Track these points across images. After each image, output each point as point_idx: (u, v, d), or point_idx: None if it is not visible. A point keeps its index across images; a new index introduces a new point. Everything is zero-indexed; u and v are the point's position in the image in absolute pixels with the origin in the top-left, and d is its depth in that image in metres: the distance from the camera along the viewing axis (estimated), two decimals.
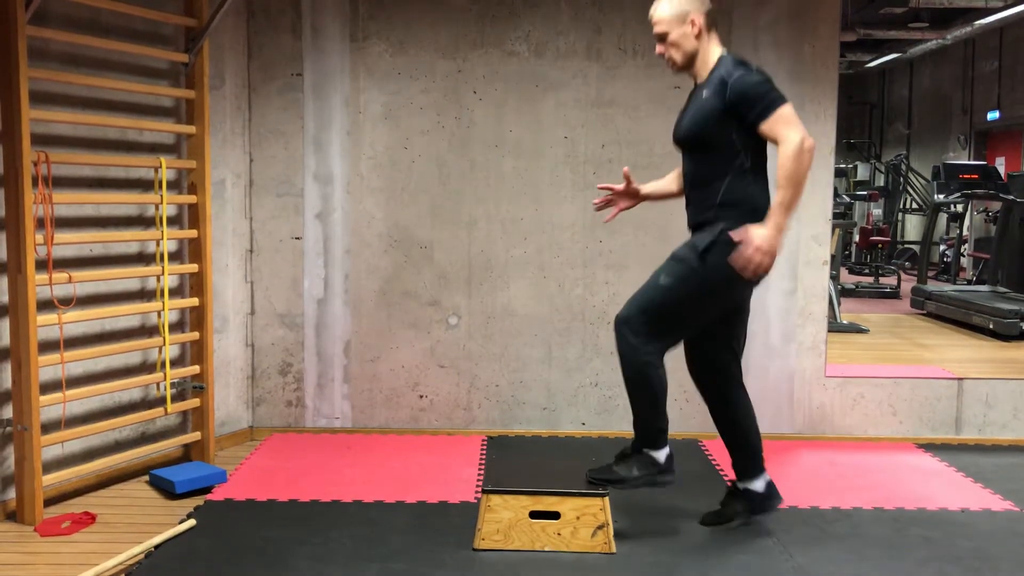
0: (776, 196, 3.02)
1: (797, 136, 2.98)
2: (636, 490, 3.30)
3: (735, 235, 3.04)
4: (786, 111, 3.03)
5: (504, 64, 4.50)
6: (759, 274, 3.07)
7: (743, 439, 3.37)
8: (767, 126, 3.02)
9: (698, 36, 3.15)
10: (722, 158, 3.11)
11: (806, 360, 4.60)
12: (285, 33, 4.46)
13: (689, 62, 3.19)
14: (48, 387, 3.49)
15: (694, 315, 3.21)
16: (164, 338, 3.94)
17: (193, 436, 4.12)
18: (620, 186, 3.48)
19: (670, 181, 3.48)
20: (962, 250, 10.91)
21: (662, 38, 3.19)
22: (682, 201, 3.32)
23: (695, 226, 3.24)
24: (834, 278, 7.37)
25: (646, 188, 3.51)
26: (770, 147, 3.03)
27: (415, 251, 4.58)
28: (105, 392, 3.77)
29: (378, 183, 4.54)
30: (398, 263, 4.58)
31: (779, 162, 3.00)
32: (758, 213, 3.11)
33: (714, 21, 3.19)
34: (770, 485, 3.40)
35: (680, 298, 3.16)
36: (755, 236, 3.00)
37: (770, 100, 3.03)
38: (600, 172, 4.52)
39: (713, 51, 3.17)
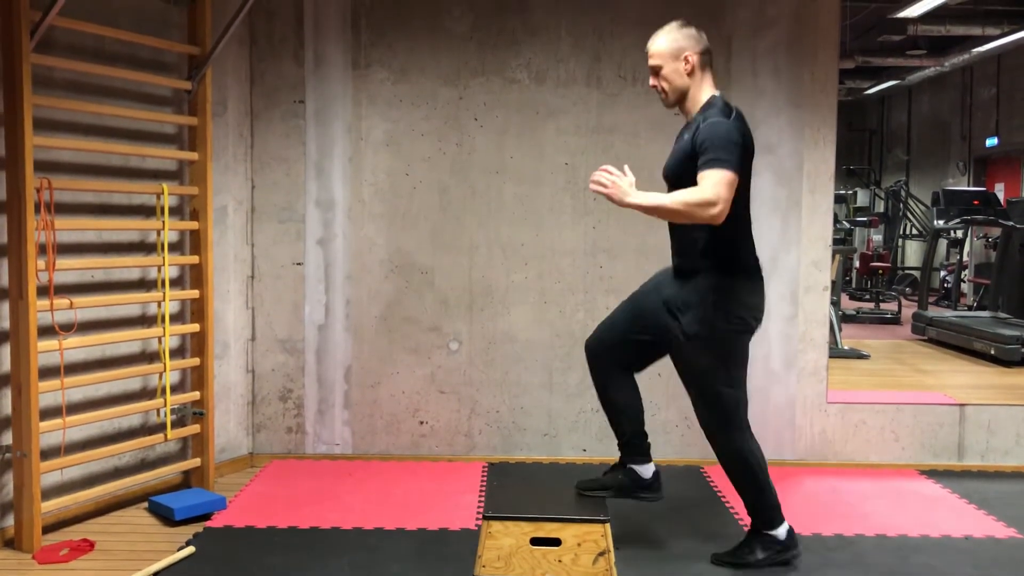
0: (659, 196, 3.04)
1: (712, 197, 2.92)
2: (637, 514, 3.30)
3: (626, 170, 3.08)
4: (725, 176, 2.94)
5: (505, 91, 4.53)
6: (593, 183, 3.09)
7: (623, 419, 3.42)
8: (701, 175, 2.97)
9: (691, 74, 3.15)
10: None
11: (807, 386, 4.60)
12: (287, 60, 4.49)
13: (680, 98, 3.20)
14: (48, 413, 3.49)
15: (740, 366, 3.23)
16: (165, 364, 3.93)
17: (193, 462, 4.10)
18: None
19: None
20: (962, 276, 10.92)
21: (655, 71, 3.21)
22: None
23: (678, 270, 3.25)
24: (835, 304, 7.37)
25: None
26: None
27: (416, 277, 4.58)
28: (105, 418, 3.76)
29: (379, 209, 4.56)
30: (399, 289, 4.58)
31: (686, 190, 2.99)
32: (739, 260, 3.14)
33: (709, 61, 3.20)
34: (657, 475, 3.46)
35: (722, 374, 3.18)
36: (621, 186, 3.03)
37: (720, 158, 2.96)
38: (600, 198, 4.50)
39: (705, 91, 3.18)
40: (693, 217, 2.98)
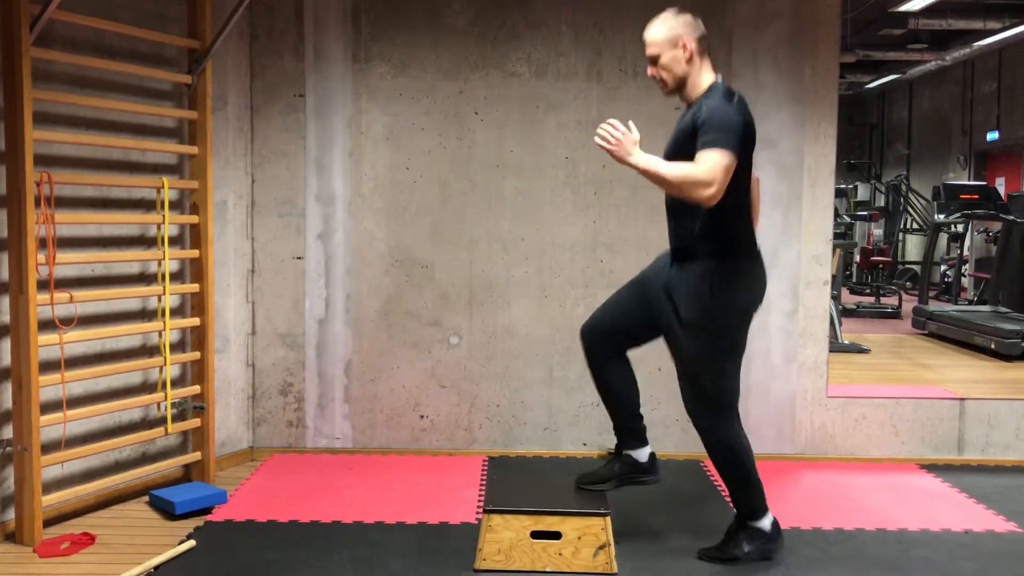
0: (662, 163, 3.01)
1: (707, 178, 2.91)
2: (637, 507, 3.30)
3: (631, 127, 3.06)
4: (723, 159, 2.93)
5: (505, 85, 4.52)
6: (599, 138, 3.06)
7: (619, 403, 3.43)
8: (699, 155, 2.96)
9: (689, 60, 3.14)
10: None
11: (807, 380, 4.60)
12: (288, 55, 4.49)
13: (679, 85, 3.19)
14: (48, 407, 3.49)
15: (735, 356, 3.22)
16: (165, 358, 3.94)
17: (193, 456, 4.11)
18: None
19: None
20: (963, 270, 10.92)
21: (654, 60, 3.20)
22: None
23: (676, 252, 3.24)
24: (835, 298, 7.37)
25: None
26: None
27: (416, 271, 4.58)
28: (105, 412, 3.76)
29: (380, 203, 4.56)
30: (399, 283, 4.58)
31: (686, 164, 2.97)
32: (739, 247, 3.14)
33: (707, 47, 3.19)
34: (653, 457, 3.46)
35: (715, 361, 3.17)
36: (626, 144, 3.01)
37: (719, 138, 2.95)
38: (601, 192, 4.54)
39: (705, 77, 3.17)
40: (685, 193, 2.96)
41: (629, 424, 3.45)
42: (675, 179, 2.96)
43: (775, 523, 3.30)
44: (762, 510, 3.28)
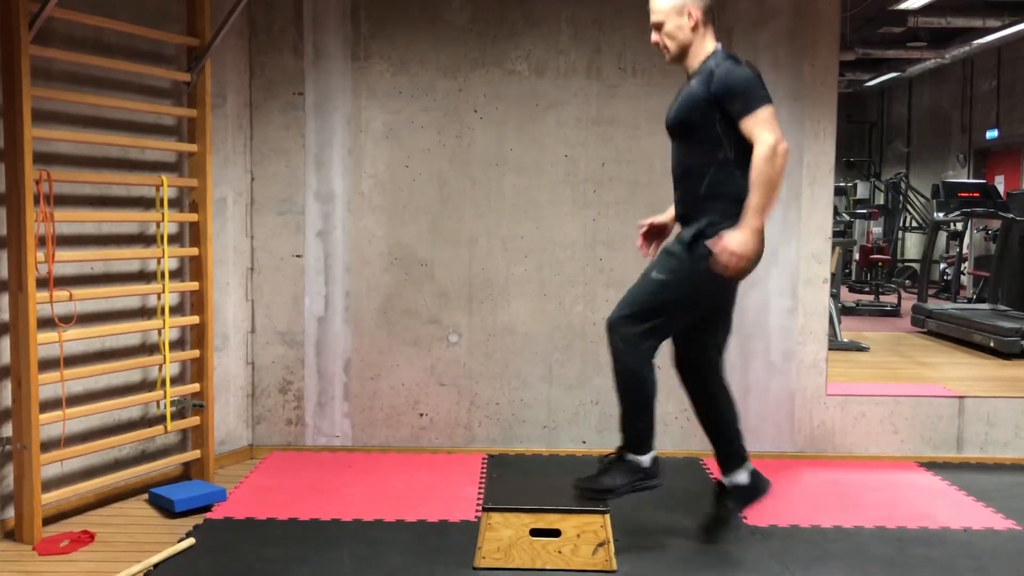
0: (749, 199, 3.01)
1: (772, 139, 2.98)
2: (637, 505, 3.29)
3: (711, 243, 3.04)
4: (765, 112, 3.03)
5: (505, 83, 4.52)
6: (739, 276, 3.08)
7: (726, 430, 3.39)
8: (746, 124, 3.03)
9: (694, 28, 3.17)
10: (706, 149, 3.13)
11: (807, 378, 4.60)
12: (287, 52, 4.48)
13: (682, 53, 3.21)
14: (48, 405, 3.49)
15: (685, 308, 3.23)
16: (164, 356, 3.93)
17: (193, 454, 4.11)
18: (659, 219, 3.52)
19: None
20: (962, 268, 10.92)
21: (658, 27, 3.21)
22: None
23: (682, 218, 3.27)
24: (834, 296, 7.37)
25: (668, 215, 3.52)
26: None
27: (416, 269, 4.58)
28: (105, 410, 3.76)
29: (379, 201, 4.56)
30: (399, 281, 4.58)
31: (753, 164, 3.00)
32: (741, 204, 3.11)
33: (711, 15, 3.21)
34: (755, 474, 3.41)
35: (671, 291, 3.18)
36: (730, 241, 3.00)
37: (752, 98, 3.04)
38: (600, 190, 4.54)
39: (707, 45, 3.20)
40: (778, 169, 2.99)
41: (651, 428, 3.33)
42: (767, 180, 2.98)
43: (656, 460, 3.28)
44: (647, 446, 3.25)
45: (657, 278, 3.20)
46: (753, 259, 3.03)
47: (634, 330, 3.17)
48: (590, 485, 3.27)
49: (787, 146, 3.01)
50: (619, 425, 3.29)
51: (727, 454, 3.40)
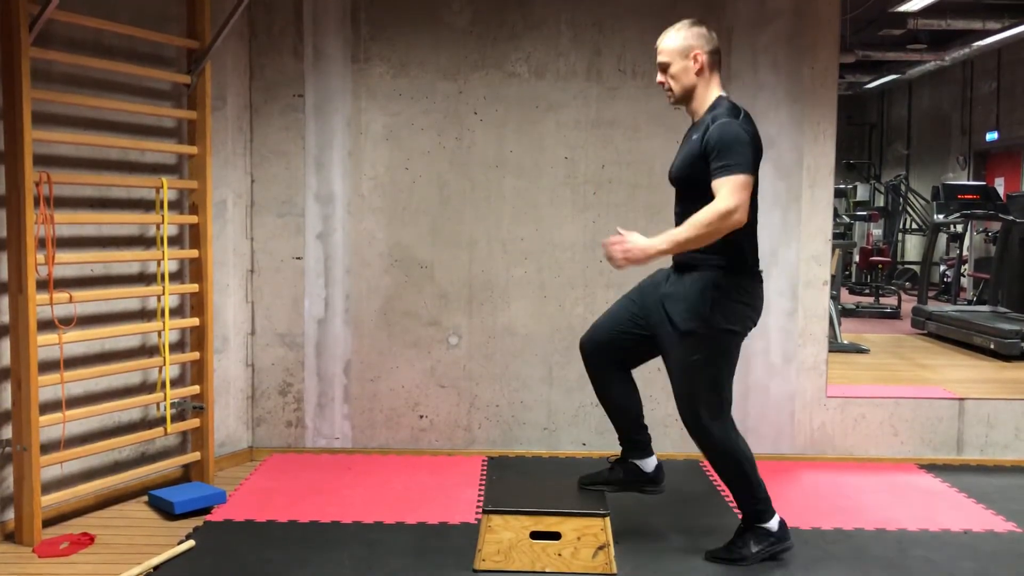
0: (678, 230, 3.01)
1: (732, 204, 2.94)
2: (636, 508, 3.30)
3: (622, 231, 3.04)
4: (739, 180, 2.97)
5: (505, 85, 4.52)
6: (611, 262, 3.06)
7: (620, 416, 3.44)
8: (716, 182, 2.99)
9: (699, 72, 3.15)
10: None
11: (807, 380, 4.60)
12: (287, 54, 4.48)
13: (687, 96, 3.20)
14: (48, 407, 3.49)
15: (730, 365, 3.24)
16: (164, 358, 3.93)
17: (193, 456, 4.11)
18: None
19: None
20: (962, 270, 10.92)
21: (664, 68, 3.21)
22: None
23: (678, 265, 3.24)
24: (834, 298, 7.37)
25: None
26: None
27: (416, 271, 4.58)
28: (105, 412, 3.76)
29: (379, 203, 4.56)
30: (399, 283, 4.58)
31: (703, 210, 2.97)
32: (743, 264, 3.14)
33: (718, 60, 3.19)
34: (659, 468, 3.47)
35: (713, 365, 3.18)
36: (637, 241, 3.01)
37: (734, 163, 2.98)
38: (600, 192, 4.54)
39: (712, 91, 3.17)
40: (720, 231, 2.97)
41: (632, 435, 3.45)
42: (704, 229, 2.96)
43: (782, 523, 3.31)
44: (767, 511, 3.28)
45: (694, 363, 3.16)
46: (632, 264, 3.04)
47: (710, 416, 3.19)
48: (725, 555, 3.30)
49: (740, 221, 2.97)
50: (733, 498, 3.33)
51: (628, 440, 3.46)
